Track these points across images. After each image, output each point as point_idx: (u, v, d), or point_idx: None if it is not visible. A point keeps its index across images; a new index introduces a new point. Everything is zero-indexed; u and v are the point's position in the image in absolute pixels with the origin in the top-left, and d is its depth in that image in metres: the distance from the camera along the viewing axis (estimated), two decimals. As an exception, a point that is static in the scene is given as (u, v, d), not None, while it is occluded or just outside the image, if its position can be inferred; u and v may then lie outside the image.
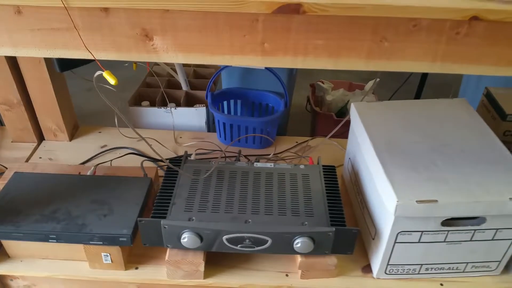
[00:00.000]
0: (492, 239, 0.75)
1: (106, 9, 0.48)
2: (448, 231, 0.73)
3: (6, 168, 0.91)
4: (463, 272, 0.80)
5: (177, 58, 0.51)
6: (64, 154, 1.06)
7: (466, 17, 0.46)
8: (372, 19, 0.47)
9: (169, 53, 0.51)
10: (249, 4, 0.45)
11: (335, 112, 1.25)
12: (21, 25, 0.50)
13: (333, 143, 1.13)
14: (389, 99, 1.41)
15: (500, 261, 0.79)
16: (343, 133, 0.97)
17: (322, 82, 1.33)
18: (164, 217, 0.74)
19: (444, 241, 0.74)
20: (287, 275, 0.80)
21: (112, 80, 0.50)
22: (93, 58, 0.51)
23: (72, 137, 1.11)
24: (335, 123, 1.12)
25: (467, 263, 0.79)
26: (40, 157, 1.05)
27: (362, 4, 0.45)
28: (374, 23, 0.47)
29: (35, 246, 0.78)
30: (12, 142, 1.09)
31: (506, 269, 0.81)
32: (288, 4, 0.45)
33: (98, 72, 0.52)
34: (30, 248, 0.80)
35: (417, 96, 1.62)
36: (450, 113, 0.88)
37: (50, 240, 0.75)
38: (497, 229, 0.74)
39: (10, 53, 0.52)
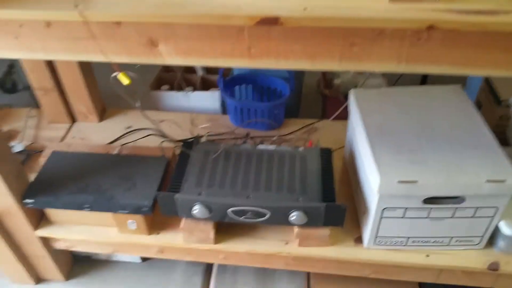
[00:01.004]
0: (472, 217, 0.81)
1: (118, 23, 0.57)
2: (431, 208, 0.80)
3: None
4: (448, 245, 0.87)
5: (178, 60, 0.60)
6: (94, 134, 1.18)
7: (423, 27, 0.52)
8: (342, 28, 0.54)
9: (172, 56, 0.60)
10: (235, 19, 0.54)
11: (345, 94, 1.29)
12: (50, 35, 0.60)
13: (339, 125, 1.18)
14: (396, 81, 1.45)
15: (482, 236, 0.85)
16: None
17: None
18: (178, 191, 0.85)
19: (428, 217, 0.82)
20: (286, 243, 0.91)
21: (126, 81, 0.60)
22: (109, 61, 0.61)
23: (100, 119, 1.23)
24: (342, 105, 1.17)
25: (451, 237, 0.86)
26: (73, 137, 1.18)
27: (331, 17, 0.52)
28: (344, 32, 0.54)
29: (72, 214, 0.92)
30: (48, 123, 1.22)
31: (489, 243, 0.87)
32: (267, 18, 0.53)
33: (115, 73, 0.62)
34: (68, 215, 0.94)
35: (424, 78, 1.62)
36: (444, 100, 0.92)
37: (84, 209, 0.89)
38: (477, 207, 0.80)
39: (42, 57, 0.63)
